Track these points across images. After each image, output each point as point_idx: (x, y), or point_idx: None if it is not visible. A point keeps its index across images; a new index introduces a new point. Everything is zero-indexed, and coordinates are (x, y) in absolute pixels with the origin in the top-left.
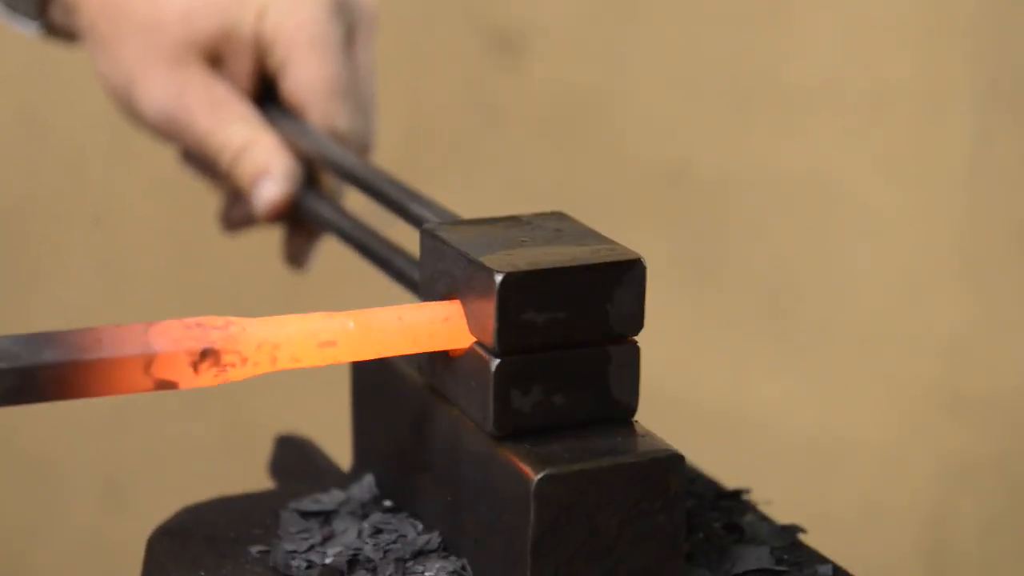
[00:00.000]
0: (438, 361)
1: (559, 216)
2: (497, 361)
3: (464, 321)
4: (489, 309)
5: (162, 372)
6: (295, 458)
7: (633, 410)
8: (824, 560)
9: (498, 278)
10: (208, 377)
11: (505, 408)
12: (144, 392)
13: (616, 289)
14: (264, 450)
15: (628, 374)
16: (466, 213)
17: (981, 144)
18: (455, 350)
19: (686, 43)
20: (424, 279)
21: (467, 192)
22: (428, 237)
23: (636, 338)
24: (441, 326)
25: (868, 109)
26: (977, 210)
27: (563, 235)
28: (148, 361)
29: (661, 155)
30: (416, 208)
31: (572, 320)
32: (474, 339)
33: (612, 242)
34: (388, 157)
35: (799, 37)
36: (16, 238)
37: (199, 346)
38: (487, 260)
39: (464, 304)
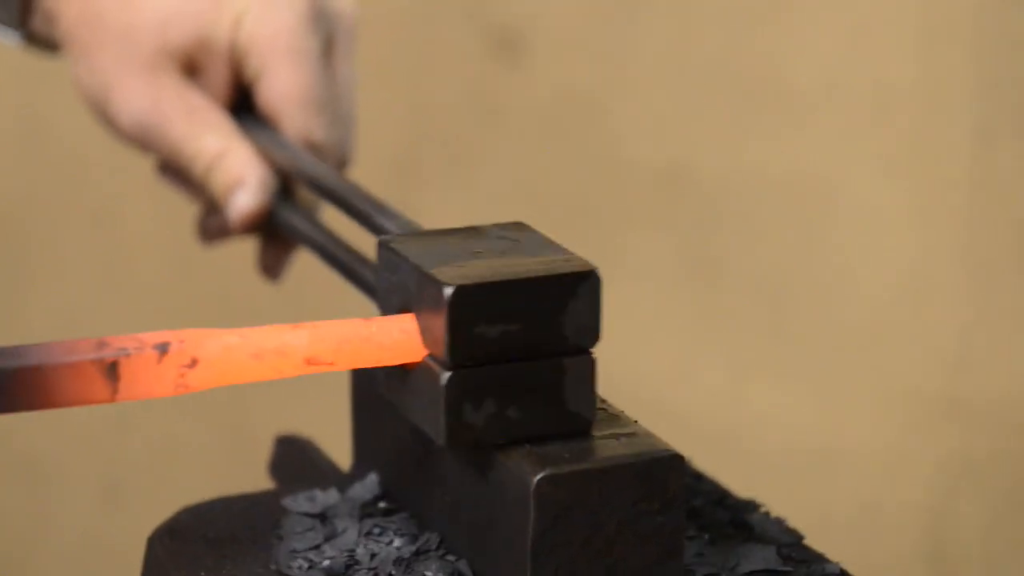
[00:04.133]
0: (394, 375)
1: (519, 227)
2: (448, 374)
3: (418, 334)
4: (441, 323)
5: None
6: (295, 458)
7: (590, 423)
8: (831, 561)
9: (447, 291)
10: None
11: (457, 421)
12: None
13: (571, 301)
14: (264, 450)
15: (584, 386)
16: (466, 213)
17: (981, 144)
18: (409, 364)
19: (686, 43)
20: (381, 292)
21: (467, 192)
22: (384, 249)
23: (627, 342)
24: (394, 340)
25: (868, 109)
26: (978, 211)
27: (519, 246)
28: (106, 367)
29: (660, 155)
30: (380, 220)
31: (527, 333)
32: (427, 352)
33: (568, 253)
34: (388, 157)
35: (799, 37)
36: (15, 239)
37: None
38: (438, 273)
39: (418, 317)
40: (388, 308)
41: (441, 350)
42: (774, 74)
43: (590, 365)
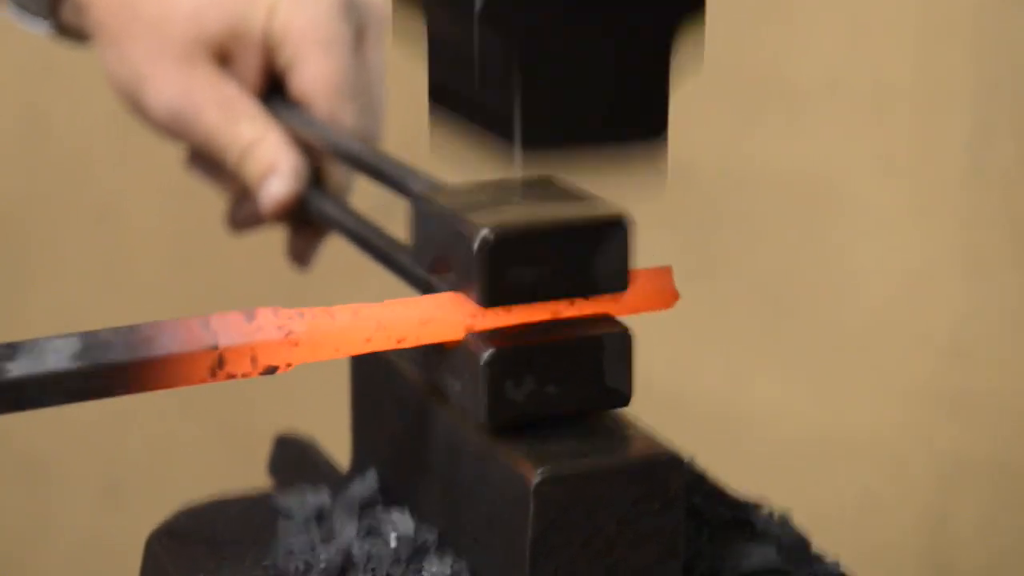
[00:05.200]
0: (433, 355)
1: (549, 178)
2: (489, 351)
3: (458, 313)
4: (476, 265)
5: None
6: (295, 458)
7: (627, 399)
8: (830, 559)
9: (483, 233)
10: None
11: (498, 399)
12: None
13: (601, 245)
14: (264, 450)
15: (621, 363)
16: None
17: (980, 144)
18: (449, 343)
19: None
20: (414, 247)
21: None
22: (418, 202)
23: (634, 332)
24: (435, 317)
25: (869, 109)
26: (977, 210)
27: (550, 195)
28: (215, 357)
29: None
30: (412, 183)
31: (558, 275)
32: (466, 326)
33: (599, 200)
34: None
35: (800, 36)
36: (16, 238)
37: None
38: (474, 217)
39: (452, 264)
40: (422, 261)
41: (476, 294)
42: (775, 73)
43: (627, 342)
